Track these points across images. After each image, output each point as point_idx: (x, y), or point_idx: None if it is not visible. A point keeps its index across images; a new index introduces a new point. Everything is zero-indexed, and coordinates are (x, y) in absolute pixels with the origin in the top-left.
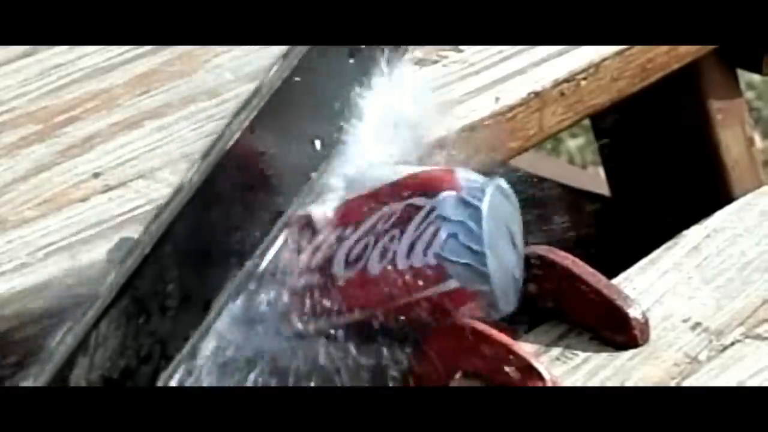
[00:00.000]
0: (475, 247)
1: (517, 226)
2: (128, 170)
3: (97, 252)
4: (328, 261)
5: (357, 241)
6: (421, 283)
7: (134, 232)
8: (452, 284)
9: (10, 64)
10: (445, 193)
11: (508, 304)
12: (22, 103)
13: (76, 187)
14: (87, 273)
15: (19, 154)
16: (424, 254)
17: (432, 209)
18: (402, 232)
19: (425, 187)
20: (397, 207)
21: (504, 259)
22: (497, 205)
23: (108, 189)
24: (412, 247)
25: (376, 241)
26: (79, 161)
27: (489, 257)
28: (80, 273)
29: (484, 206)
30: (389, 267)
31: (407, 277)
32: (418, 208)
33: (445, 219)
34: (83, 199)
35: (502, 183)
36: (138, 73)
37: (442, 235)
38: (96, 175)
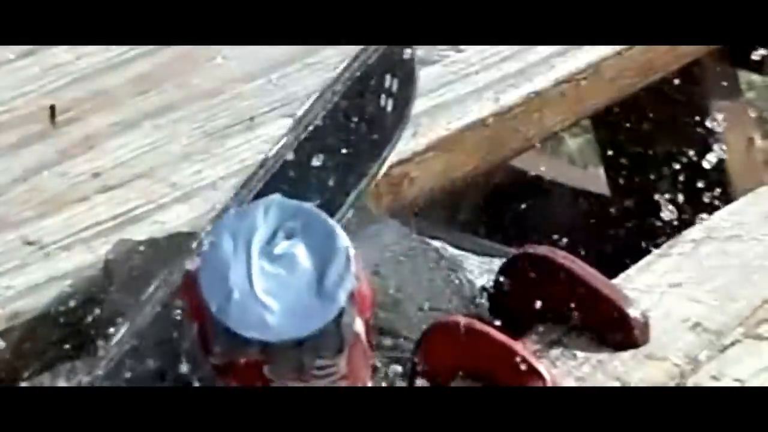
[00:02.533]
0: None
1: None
2: (128, 170)
3: (96, 252)
4: None
5: None
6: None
7: (134, 232)
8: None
9: (10, 64)
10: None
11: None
12: (22, 103)
13: (76, 187)
14: (87, 273)
15: (19, 154)
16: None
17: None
18: None
19: None
20: None
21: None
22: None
23: (108, 189)
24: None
25: None
26: (79, 161)
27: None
28: (80, 273)
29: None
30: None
31: None
32: None
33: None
34: (83, 199)
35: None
36: (138, 73)
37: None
38: (96, 175)
